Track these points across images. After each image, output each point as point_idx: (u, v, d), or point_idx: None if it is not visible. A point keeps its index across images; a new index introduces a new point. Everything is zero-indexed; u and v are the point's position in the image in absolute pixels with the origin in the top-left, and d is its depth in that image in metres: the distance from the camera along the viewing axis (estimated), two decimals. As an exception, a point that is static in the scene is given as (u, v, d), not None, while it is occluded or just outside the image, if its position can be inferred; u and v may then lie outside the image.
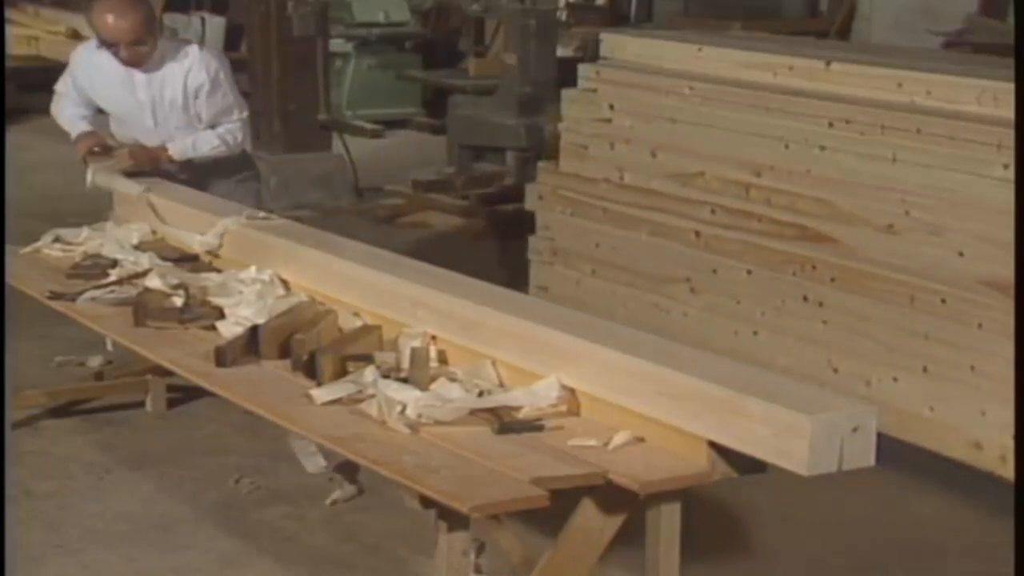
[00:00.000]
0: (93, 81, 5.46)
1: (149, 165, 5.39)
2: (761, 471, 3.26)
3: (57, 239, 5.20)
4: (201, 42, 14.84)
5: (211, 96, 5.37)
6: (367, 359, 3.84)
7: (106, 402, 5.54)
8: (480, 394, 3.61)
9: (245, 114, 5.53)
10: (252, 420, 4.29)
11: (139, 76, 5.34)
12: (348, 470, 4.69)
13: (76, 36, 12.46)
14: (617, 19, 13.92)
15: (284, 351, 4.01)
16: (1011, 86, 4.69)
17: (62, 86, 5.62)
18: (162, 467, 5.03)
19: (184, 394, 5.48)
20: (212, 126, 5.43)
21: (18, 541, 4.34)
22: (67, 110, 5.63)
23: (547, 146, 7.72)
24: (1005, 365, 4.53)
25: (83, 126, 5.59)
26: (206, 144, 5.43)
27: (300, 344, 3.96)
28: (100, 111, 5.65)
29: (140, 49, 5.23)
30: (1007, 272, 4.52)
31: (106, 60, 5.32)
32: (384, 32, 12.14)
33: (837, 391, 4.69)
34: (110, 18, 5.16)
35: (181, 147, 5.42)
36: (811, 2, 13.32)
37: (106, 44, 5.24)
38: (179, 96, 5.35)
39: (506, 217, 8.55)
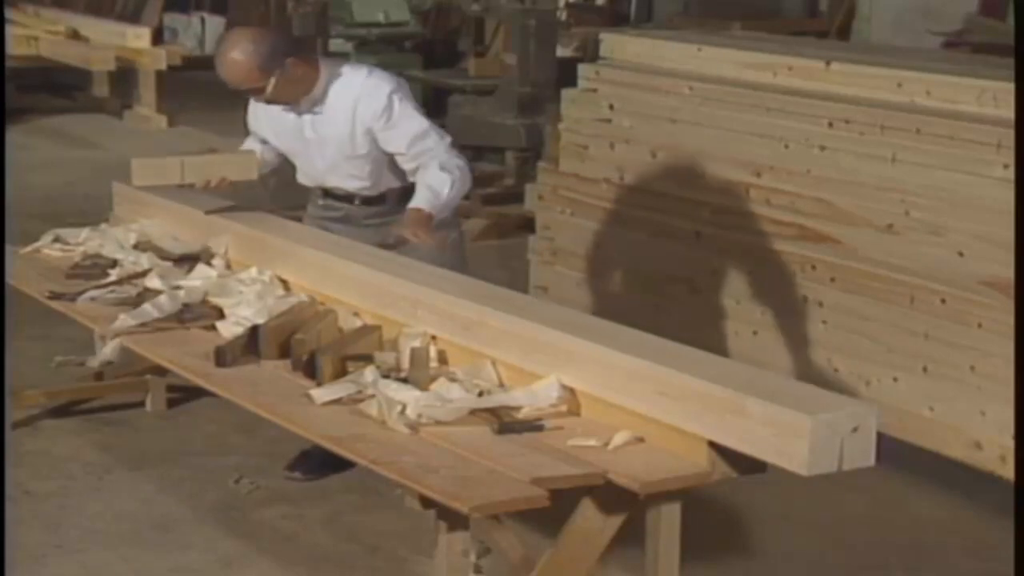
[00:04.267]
0: (265, 119, 4.88)
1: (428, 237, 4.46)
2: (761, 471, 3.26)
3: (57, 239, 5.20)
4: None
5: (394, 126, 4.60)
6: (367, 359, 3.84)
7: (106, 402, 5.53)
8: (480, 394, 3.62)
9: (448, 139, 4.69)
10: (252, 420, 4.29)
11: (303, 112, 4.71)
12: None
13: (76, 36, 12.49)
14: (617, 19, 13.93)
15: (284, 351, 4.01)
16: (1011, 86, 4.69)
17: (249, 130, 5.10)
18: (162, 467, 5.03)
19: (184, 394, 5.48)
20: (418, 162, 4.62)
21: (18, 541, 4.34)
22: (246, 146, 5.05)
23: (545, 147, 7.71)
24: (1005, 365, 4.53)
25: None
26: (442, 186, 4.54)
27: (300, 344, 3.96)
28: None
29: (274, 91, 4.57)
30: (1007, 272, 4.51)
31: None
32: (384, 32, 12.12)
33: (837, 391, 4.70)
34: (223, 65, 4.54)
35: (424, 200, 4.53)
36: (811, 2, 13.33)
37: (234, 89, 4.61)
38: (347, 132, 4.63)
39: (507, 218, 8.56)
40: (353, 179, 4.75)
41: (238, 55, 4.49)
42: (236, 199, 5.10)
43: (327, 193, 4.87)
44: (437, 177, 4.53)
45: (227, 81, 4.53)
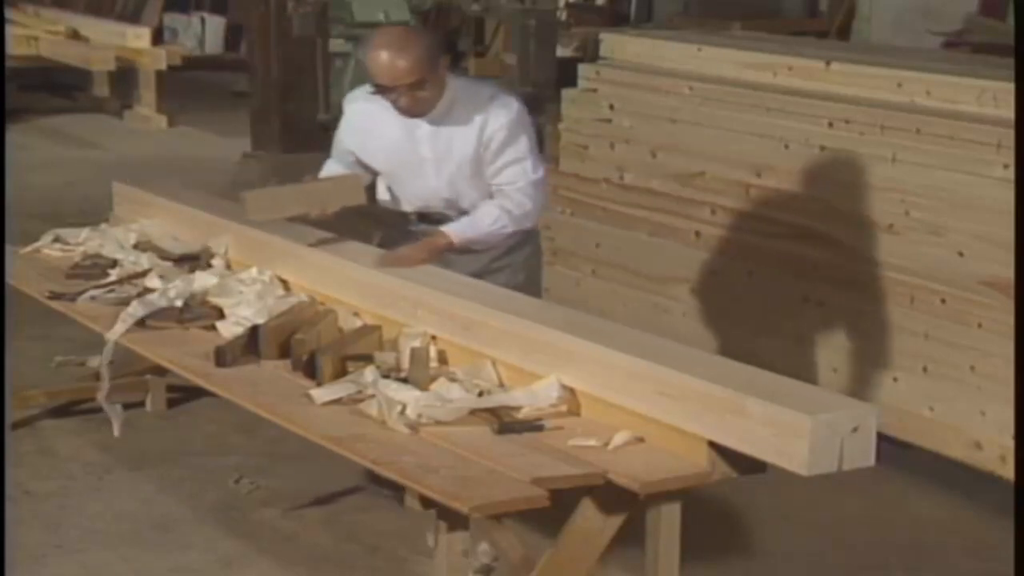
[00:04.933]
0: (366, 137, 4.51)
1: (434, 260, 4.33)
2: (761, 471, 3.26)
3: (57, 239, 5.20)
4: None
5: (501, 150, 4.33)
6: (367, 359, 3.84)
7: (106, 402, 5.54)
8: (480, 394, 3.62)
9: (540, 174, 4.40)
10: (252, 420, 4.29)
11: (423, 128, 4.36)
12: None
13: (76, 36, 12.49)
14: (617, 19, 13.94)
15: (284, 351, 4.01)
16: (1011, 86, 4.69)
17: (332, 152, 4.72)
18: (162, 467, 5.03)
19: (184, 394, 5.47)
20: (493, 189, 4.39)
21: (18, 541, 4.34)
22: (324, 172, 4.67)
23: (545, 147, 7.70)
24: (1005, 365, 4.53)
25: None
26: (486, 219, 4.34)
27: (300, 344, 3.96)
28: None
29: (421, 94, 4.25)
30: (1007, 272, 4.51)
31: (381, 110, 4.37)
32: (384, 32, 12.12)
33: (837, 391, 4.70)
34: (384, 56, 4.21)
35: (459, 228, 4.36)
36: (811, 2, 13.34)
37: (381, 90, 4.28)
38: (471, 150, 4.33)
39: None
40: (466, 200, 4.43)
41: (405, 44, 4.22)
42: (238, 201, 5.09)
43: (426, 217, 4.51)
44: (489, 211, 4.34)
45: (384, 73, 4.22)
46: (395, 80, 4.22)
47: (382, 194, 4.64)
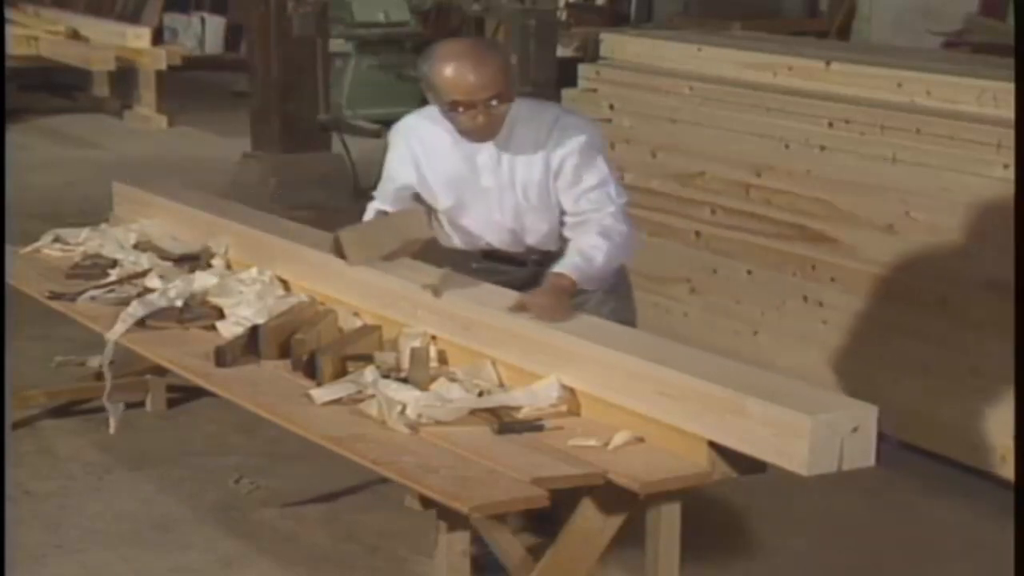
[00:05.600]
0: (423, 167, 4.08)
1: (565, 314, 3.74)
2: (761, 471, 3.26)
3: (57, 239, 5.20)
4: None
5: (576, 176, 3.95)
6: (367, 359, 3.84)
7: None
8: (480, 394, 3.62)
9: (625, 199, 4.02)
10: (252, 420, 4.29)
11: (484, 154, 3.98)
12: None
13: (76, 36, 12.49)
14: (617, 19, 13.94)
15: (284, 351, 4.01)
16: (1011, 86, 4.69)
17: (378, 190, 4.24)
18: (162, 467, 5.03)
19: (184, 394, 5.47)
20: (580, 219, 3.98)
21: (18, 541, 4.34)
22: (368, 213, 4.20)
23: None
24: (1005, 365, 4.53)
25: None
26: (593, 251, 3.87)
27: (300, 344, 3.96)
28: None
29: (499, 110, 3.85)
30: (1007, 272, 4.52)
31: (436, 137, 4.03)
32: (384, 32, 12.13)
33: (837, 391, 4.70)
34: (463, 68, 3.80)
35: (572, 265, 3.84)
36: (811, 2, 13.34)
37: (454, 106, 3.84)
38: (536, 177, 3.96)
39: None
40: (533, 234, 4.07)
41: (483, 55, 3.86)
42: (238, 201, 5.09)
43: (490, 255, 4.16)
44: (592, 242, 3.87)
45: (463, 87, 3.80)
46: (475, 94, 3.81)
47: (438, 231, 4.18)
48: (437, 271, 4.06)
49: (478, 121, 3.86)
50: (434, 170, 4.07)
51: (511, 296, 3.83)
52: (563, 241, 4.03)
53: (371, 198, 4.25)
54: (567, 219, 4.00)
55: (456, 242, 4.18)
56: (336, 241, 3.89)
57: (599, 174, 3.96)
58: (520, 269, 4.10)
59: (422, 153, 4.08)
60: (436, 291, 3.94)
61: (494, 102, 3.83)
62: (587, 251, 3.86)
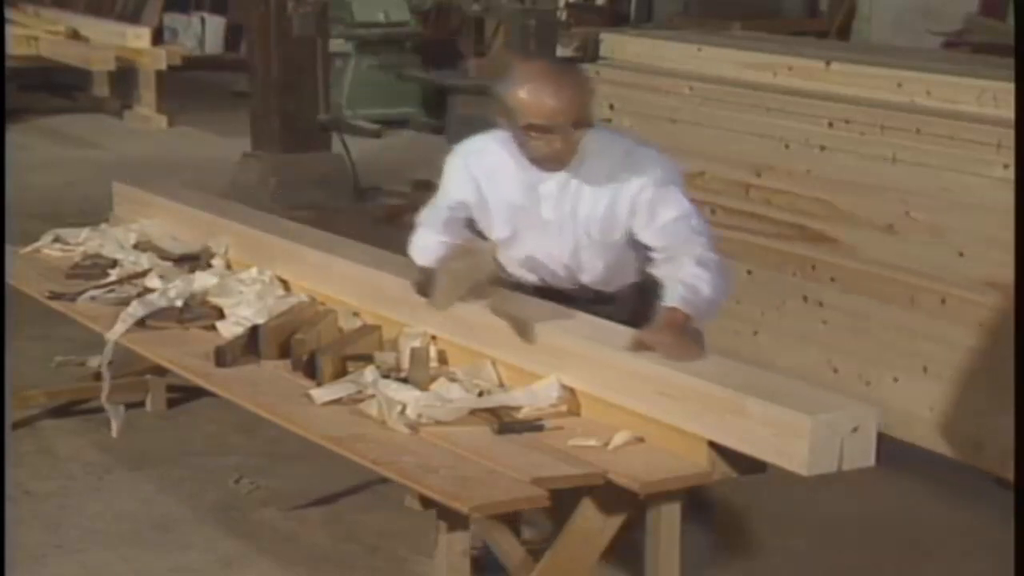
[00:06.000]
0: (485, 193, 3.87)
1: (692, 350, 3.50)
2: (761, 471, 3.26)
3: (57, 239, 5.20)
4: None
5: (652, 211, 3.71)
6: (367, 359, 3.84)
7: (106, 402, 5.54)
8: (480, 394, 3.62)
9: (709, 232, 3.79)
10: (252, 420, 4.29)
11: (548, 185, 3.77)
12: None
13: (76, 36, 12.49)
14: (617, 19, 13.94)
15: (284, 351, 4.01)
16: (1011, 86, 4.69)
17: (426, 214, 4.05)
18: (162, 467, 5.03)
19: (184, 394, 5.47)
20: (670, 253, 3.70)
21: (18, 541, 4.34)
22: (421, 240, 4.00)
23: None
24: (1005, 365, 4.53)
25: (439, 250, 3.87)
26: (701, 283, 3.59)
27: (300, 344, 3.96)
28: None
29: (575, 137, 3.65)
30: (1007, 272, 4.51)
31: (502, 161, 3.83)
32: (384, 32, 12.15)
33: (837, 391, 4.70)
34: (544, 90, 3.60)
35: (682, 297, 3.57)
36: (811, 2, 13.34)
37: (529, 130, 3.65)
38: (600, 212, 3.75)
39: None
40: (588, 272, 3.87)
41: (565, 77, 3.67)
42: (238, 201, 5.10)
43: (543, 290, 3.96)
44: (693, 272, 3.61)
45: (542, 110, 3.61)
46: (553, 117, 3.61)
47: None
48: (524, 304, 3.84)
49: (553, 147, 3.66)
50: (495, 196, 3.86)
51: (602, 327, 3.65)
52: (631, 276, 3.87)
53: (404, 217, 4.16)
54: (654, 255, 3.76)
55: (506, 274, 3.97)
56: (426, 282, 3.80)
57: (679, 207, 3.73)
58: (570, 306, 3.84)
59: (484, 177, 3.87)
60: (524, 330, 3.70)
61: (571, 128, 3.63)
62: (690, 282, 3.59)
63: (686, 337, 3.50)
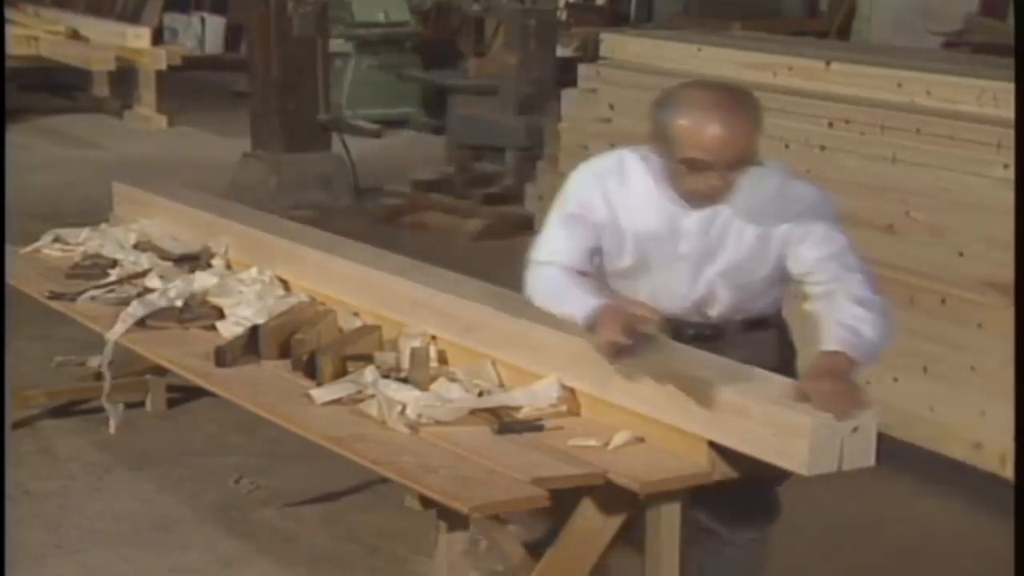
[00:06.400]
0: (618, 211, 3.48)
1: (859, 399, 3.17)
2: (761, 471, 3.25)
3: (57, 239, 5.20)
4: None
5: (806, 246, 3.43)
6: (367, 359, 3.84)
7: (106, 402, 5.54)
8: (480, 394, 3.62)
9: (866, 269, 3.47)
10: (252, 420, 4.29)
11: (691, 219, 3.43)
12: None
13: (76, 36, 12.49)
14: (617, 19, 13.95)
15: (284, 351, 4.01)
16: (1011, 86, 4.69)
17: (546, 252, 3.54)
18: (162, 467, 5.03)
19: (184, 394, 5.47)
20: (824, 288, 3.43)
21: (18, 541, 4.34)
22: (552, 282, 3.51)
23: (545, 146, 7.71)
24: (1005, 365, 4.53)
25: (593, 299, 3.38)
26: (864, 326, 3.31)
27: (300, 344, 3.96)
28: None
29: (735, 175, 3.32)
30: (1007, 272, 4.52)
31: (646, 184, 3.47)
32: (384, 32, 12.16)
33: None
34: (713, 124, 3.26)
35: (840, 338, 3.28)
36: (811, 2, 13.34)
37: (688, 164, 3.31)
38: (745, 248, 3.45)
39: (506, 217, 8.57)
40: (718, 306, 3.56)
41: (742, 111, 3.32)
42: (238, 201, 5.10)
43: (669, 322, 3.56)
44: (853, 312, 3.32)
45: (715, 146, 3.27)
46: (720, 154, 3.27)
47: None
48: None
49: (709, 184, 3.32)
50: (632, 221, 3.48)
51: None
52: (753, 310, 3.62)
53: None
54: (809, 289, 3.49)
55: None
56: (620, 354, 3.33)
57: (835, 242, 3.44)
58: (682, 339, 3.54)
59: (623, 198, 3.49)
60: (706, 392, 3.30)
61: (737, 166, 3.31)
62: (851, 323, 3.30)
63: (850, 384, 3.18)
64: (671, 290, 3.51)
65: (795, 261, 3.46)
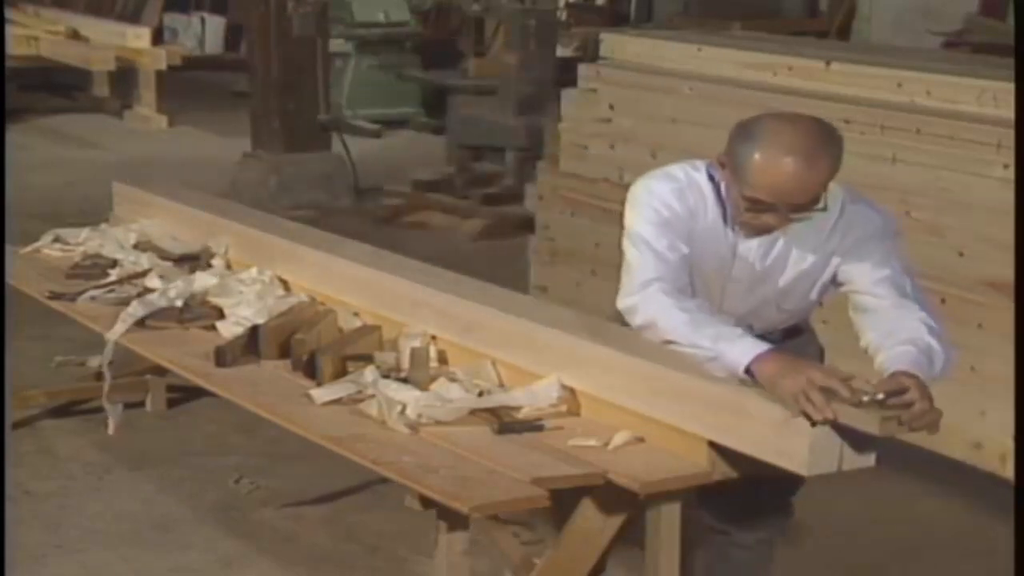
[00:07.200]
0: (691, 224, 3.38)
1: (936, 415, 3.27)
2: (761, 471, 3.24)
3: (57, 239, 5.20)
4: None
5: (865, 265, 3.36)
6: (367, 359, 3.84)
7: (106, 402, 5.54)
8: (480, 394, 3.62)
9: (922, 293, 3.42)
10: (252, 420, 4.29)
11: (749, 244, 3.38)
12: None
13: (76, 36, 12.49)
14: (617, 19, 13.95)
15: (284, 351, 4.01)
16: (1011, 86, 4.69)
17: (650, 269, 3.34)
18: (162, 467, 5.03)
19: (184, 394, 5.48)
20: (882, 311, 3.38)
21: (18, 541, 4.34)
22: (676, 308, 3.30)
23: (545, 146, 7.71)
24: (1005, 365, 4.53)
25: (749, 341, 3.21)
26: (937, 358, 3.31)
27: (300, 344, 3.96)
28: None
29: (802, 217, 3.25)
30: (1007, 272, 4.51)
31: (713, 203, 3.38)
32: (384, 32, 12.16)
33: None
34: (788, 171, 3.14)
35: (914, 362, 3.25)
36: (811, 2, 13.34)
37: (752, 203, 3.23)
38: (802, 270, 3.40)
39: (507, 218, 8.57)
40: (762, 321, 3.51)
41: (823, 157, 3.22)
42: (238, 201, 5.10)
43: None
44: (927, 341, 3.28)
45: (783, 187, 3.16)
46: (788, 199, 3.18)
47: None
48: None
49: (767, 223, 3.26)
50: (698, 238, 3.38)
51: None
52: (792, 318, 3.59)
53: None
54: (859, 300, 3.44)
55: None
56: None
57: (895, 264, 3.37)
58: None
59: (698, 214, 3.38)
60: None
61: (801, 210, 3.22)
62: (923, 346, 3.27)
63: (925, 393, 3.16)
64: (717, 305, 3.44)
65: (850, 284, 3.42)
